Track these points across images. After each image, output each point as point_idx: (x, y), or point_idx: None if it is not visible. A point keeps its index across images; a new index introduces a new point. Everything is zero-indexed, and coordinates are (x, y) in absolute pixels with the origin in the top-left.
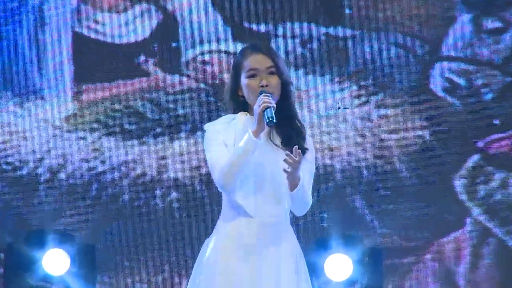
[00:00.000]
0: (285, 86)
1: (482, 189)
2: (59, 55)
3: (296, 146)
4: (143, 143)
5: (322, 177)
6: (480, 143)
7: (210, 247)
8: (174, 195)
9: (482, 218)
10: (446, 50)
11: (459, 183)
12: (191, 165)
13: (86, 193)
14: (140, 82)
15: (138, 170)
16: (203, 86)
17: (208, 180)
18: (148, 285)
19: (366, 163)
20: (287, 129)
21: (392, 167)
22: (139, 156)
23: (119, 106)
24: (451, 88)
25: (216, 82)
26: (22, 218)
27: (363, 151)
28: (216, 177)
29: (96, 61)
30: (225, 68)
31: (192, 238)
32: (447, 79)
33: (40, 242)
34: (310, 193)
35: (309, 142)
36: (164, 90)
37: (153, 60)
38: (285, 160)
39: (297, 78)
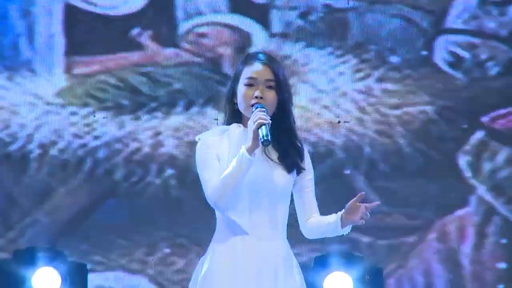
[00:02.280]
0: (285, 103)
1: (487, 166)
2: (50, 27)
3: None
4: (137, 118)
5: (322, 154)
6: (485, 119)
7: (205, 265)
8: (169, 172)
9: (487, 195)
10: (450, 22)
11: (463, 159)
12: (186, 141)
13: (78, 169)
14: (134, 56)
15: (132, 146)
16: (199, 59)
17: None
18: (142, 265)
19: (367, 139)
20: (285, 145)
21: (394, 143)
22: (133, 131)
23: (112, 80)
24: (455, 61)
25: (213, 55)
26: (12, 196)
27: (365, 127)
28: (208, 194)
29: (89, 33)
30: (221, 41)
31: (188, 216)
32: (451, 53)
33: (30, 260)
34: (317, 213)
35: (306, 156)
36: (159, 64)
37: (147, 33)
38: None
39: (297, 51)
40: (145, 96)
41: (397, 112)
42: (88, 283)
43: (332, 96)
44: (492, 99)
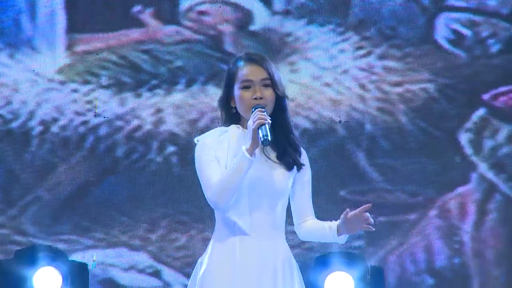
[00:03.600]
0: (280, 99)
1: (488, 143)
2: (52, 4)
3: (370, 205)
4: (139, 95)
5: (323, 131)
6: (486, 96)
7: (204, 265)
8: (170, 149)
9: (488, 173)
10: None
11: (464, 137)
12: (188, 119)
13: (80, 146)
14: (135, 33)
15: (134, 123)
16: (200, 37)
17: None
18: (144, 242)
19: (368, 116)
20: (282, 143)
21: (395, 120)
22: (135, 109)
23: (113, 58)
24: (456, 39)
25: (214, 33)
26: (13, 173)
27: (366, 104)
28: (208, 195)
29: (90, 11)
30: (223, 19)
31: (189, 193)
32: (452, 30)
33: (31, 259)
34: (313, 215)
35: (304, 156)
36: (160, 41)
37: (148, 10)
38: (366, 225)
39: (298, 29)
40: (146, 73)
41: (398, 89)
42: (89, 259)
43: (334, 73)
44: (493, 77)
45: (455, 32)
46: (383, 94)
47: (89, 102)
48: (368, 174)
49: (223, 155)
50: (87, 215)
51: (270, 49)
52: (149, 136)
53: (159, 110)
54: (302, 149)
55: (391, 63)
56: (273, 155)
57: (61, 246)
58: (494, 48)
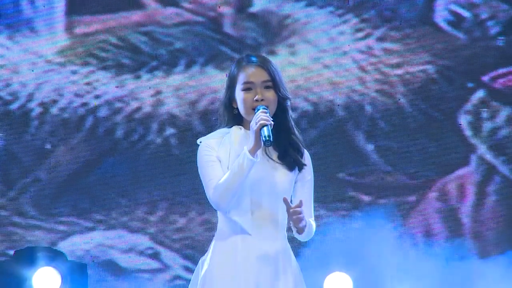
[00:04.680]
0: (282, 101)
1: (487, 125)
2: None
3: (297, 204)
4: (138, 77)
5: (323, 113)
6: (486, 78)
7: (205, 265)
8: (170, 131)
9: (487, 155)
10: None
11: (464, 119)
12: (187, 100)
13: (79, 128)
14: (135, 15)
15: (133, 105)
16: (200, 18)
17: (204, 115)
18: (143, 224)
19: (368, 98)
20: (284, 143)
21: (394, 102)
22: (134, 90)
23: (113, 39)
24: (456, 21)
25: (214, 14)
26: (12, 155)
27: (365, 86)
28: (210, 196)
29: None
30: (222, 0)
31: (188, 174)
32: (451, 12)
33: (30, 260)
34: (312, 216)
35: (306, 157)
36: (160, 23)
37: None
38: (289, 216)
39: (297, 10)
40: (145, 55)
41: (398, 71)
42: (89, 241)
43: (333, 55)
44: (492, 59)
45: (454, 13)
46: (383, 76)
47: (89, 84)
48: (368, 155)
49: (225, 156)
50: (86, 197)
51: (269, 31)
52: (148, 117)
53: (158, 92)
54: (304, 150)
55: (390, 45)
56: (275, 155)
57: (60, 227)
58: (494, 30)
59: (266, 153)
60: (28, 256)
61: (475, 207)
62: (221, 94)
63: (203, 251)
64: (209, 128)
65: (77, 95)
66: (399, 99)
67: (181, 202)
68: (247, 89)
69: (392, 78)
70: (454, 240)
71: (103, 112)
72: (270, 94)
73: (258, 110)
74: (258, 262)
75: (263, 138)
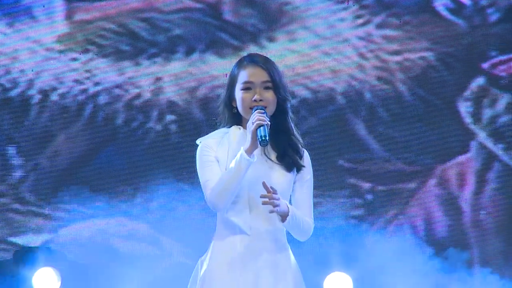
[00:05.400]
0: (281, 102)
1: (487, 112)
2: None
3: (271, 188)
4: (137, 64)
5: (322, 100)
6: (485, 65)
7: (204, 266)
8: (169, 117)
9: (487, 142)
10: None
11: (463, 106)
12: (187, 87)
13: (79, 115)
14: (134, 1)
15: (133, 92)
16: (199, 5)
17: (204, 102)
18: (144, 210)
19: (367, 85)
20: (283, 144)
21: (394, 89)
22: (133, 77)
23: (112, 26)
24: (455, 8)
25: (213, 1)
26: (12, 142)
27: (365, 73)
28: (207, 196)
29: None
30: None
31: (188, 161)
32: None
33: (30, 260)
34: (310, 217)
35: (305, 159)
36: (159, 10)
37: None
38: (263, 203)
39: None
40: (145, 42)
41: (398, 58)
42: (90, 228)
43: (333, 42)
44: (492, 46)
45: (454, 0)
46: (382, 63)
47: (88, 71)
48: (367, 143)
49: (223, 156)
50: (86, 184)
51: (269, 17)
52: (148, 104)
53: (158, 79)
54: (304, 150)
55: (390, 32)
56: (273, 156)
57: (60, 214)
58: (494, 17)
59: (264, 153)
60: (28, 256)
61: (475, 194)
62: (222, 93)
63: (203, 238)
64: (209, 115)
65: (76, 82)
66: (399, 87)
67: (181, 189)
68: (246, 88)
69: (392, 65)
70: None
71: (103, 99)
72: (269, 95)
73: (256, 110)
74: (257, 262)
75: (259, 138)
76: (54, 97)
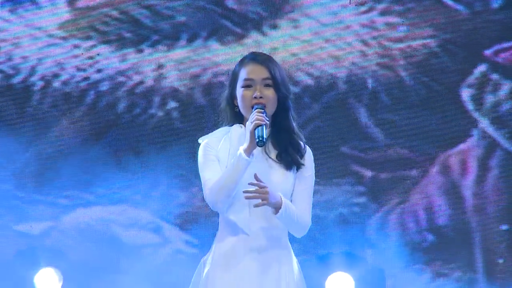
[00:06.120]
0: (282, 100)
1: (489, 99)
2: None
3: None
4: (140, 51)
5: (325, 87)
6: (488, 52)
7: (207, 265)
8: (172, 104)
9: (489, 129)
10: None
11: (466, 92)
12: (189, 74)
13: (81, 102)
14: None
15: (135, 78)
16: None
17: (207, 89)
18: (145, 198)
19: (370, 72)
20: (284, 143)
21: (396, 76)
22: (136, 64)
23: (115, 13)
24: None
25: None
26: (14, 128)
27: (367, 60)
28: (206, 195)
29: None
30: None
31: (190, 148)
32: None
33: (31, 260)
34: (306, 213)
35: (307, 156)
36: None
37: None
38: (245, 197)
39: None
40: (147, 29)
41: (400, 45)
42: (91, 215)
43: (335, 29)
44: (495, 32)
45: None
46: (385, 50)
47: (91, 57)
48: (369, 129)
49: (224, 155)
50: (88, 171)
51: (271, 5)
52: (150, 91)
53: (160, 66)
54: (307, 147)
55: (392, 19)
56: (273, 154)
57: (62, 201)
58: (496, 4)
59: (265, 152)
60: (29, 257)
61: (477, 181)
62: (224, 91)
63: (204, 226)
64: (211, 101)
65: (79, 69)
66: (401, 74)
67: (183, 176)
68: (247, 86)
69: (394, 52)
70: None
71: (105, 86)
72: (270, 92)
73: (255, 109)
74: (260, 262)
75: (256, 139)
76: (56, 84)
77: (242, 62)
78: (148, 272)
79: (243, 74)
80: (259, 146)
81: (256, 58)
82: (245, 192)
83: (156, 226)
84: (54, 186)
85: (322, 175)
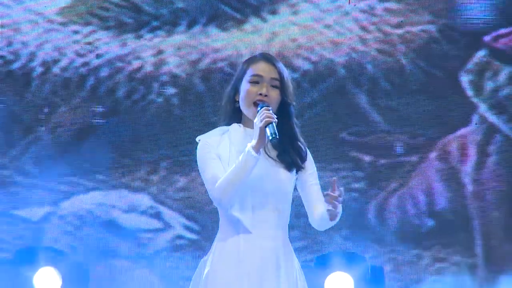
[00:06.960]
0: (286, 105)
1: (489, 84)
2: None
3: (335, 179)
4: (139, 37)
5: (324, 73)
6: (487, 38)
7: (208, 266)
8: (171, 90)
9: (488, 114)
10: None
11: (465, 78)
12: (189, 60)
13: (81, 87)
14: None
15: (134, 64)
16: None
17: (206, 75)
18: (145, 183)
19: (369, 57)
20: (284, 144)
21: (396, 61)
22: (135, 50)
23: None
24: None
25: None
26: (14, 114)
27: (367, 46)
28: (213, 193)
29: None
30: None
31: (189, 134)
32: None
33: (30, 260)
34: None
35: (309, 157)
36: None
37: None
38: (326, 201)
39: None
40: (147, 14)
41: (399, 31)
42: (91, 200)
43: (335, 15)
44: (494, 18)
45: None
46: (384, 35)
47: (90, 43)
48: (369, 115)
49: (225, 154)
50: (88, 157)
51: None
52: (150, 77)
53: (160, 52)
54: (308, 152)
55: (392, 5)
56: (273, 153)
57: (62, 187)
58: None
59: (265, 151)
60: (29, 256)
61: (476, 166)
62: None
63: (204, 211)
64: (210, 87)
65: (78, 54)
66: (400, 59)
67: (182, 162)
68: (254, 82)
69: (393, 37)
70: (454, 199)
71: (104, 72)
72: (275, 94)
73: (262, 107)
74: (261, 261)
75: (269, 136)
76: (55, 69)
77: (252, 59)
78: (148, 257)
79: (252, 69)
80: (272, 143)
81: (268, 57)
82: (326, 195)
83: (156, 212)
84: (53, 171)
85: (321, 161)
